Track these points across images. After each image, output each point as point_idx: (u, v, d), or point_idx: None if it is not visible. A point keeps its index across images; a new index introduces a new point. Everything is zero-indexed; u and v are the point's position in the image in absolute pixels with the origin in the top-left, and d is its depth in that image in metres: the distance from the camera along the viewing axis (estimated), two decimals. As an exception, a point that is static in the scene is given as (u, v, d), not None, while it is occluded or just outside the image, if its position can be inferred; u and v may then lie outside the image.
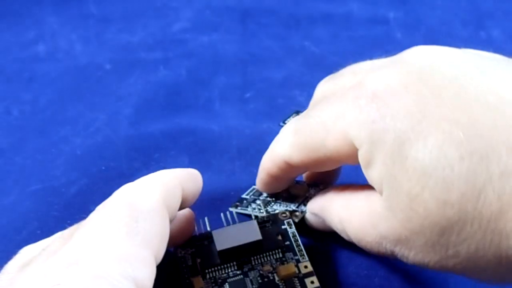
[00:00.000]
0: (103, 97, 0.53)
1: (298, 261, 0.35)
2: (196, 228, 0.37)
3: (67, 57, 0.57)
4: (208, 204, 0.43)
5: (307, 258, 0.35)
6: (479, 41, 0.67)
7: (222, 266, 0.34)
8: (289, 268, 0.34)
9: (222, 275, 0.34)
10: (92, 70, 0.56)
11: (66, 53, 0.58)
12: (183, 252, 0.36)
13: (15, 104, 0.51)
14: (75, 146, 0.47)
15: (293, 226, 0.37)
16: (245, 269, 0.34)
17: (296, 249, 0.35)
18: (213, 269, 0.34)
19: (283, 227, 0.37)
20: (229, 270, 0.34)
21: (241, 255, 0.35)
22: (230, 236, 0.35)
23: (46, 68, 0.56)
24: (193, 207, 0.43)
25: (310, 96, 0.39)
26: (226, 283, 0.34)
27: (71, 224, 0.42)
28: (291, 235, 0.36)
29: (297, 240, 0.36)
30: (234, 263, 0.34)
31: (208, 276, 0.34)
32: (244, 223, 0.36)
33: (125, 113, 0.51)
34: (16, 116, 0.50)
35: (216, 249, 0.34)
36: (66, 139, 0.47)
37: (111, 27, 0.62)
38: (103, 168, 0.45)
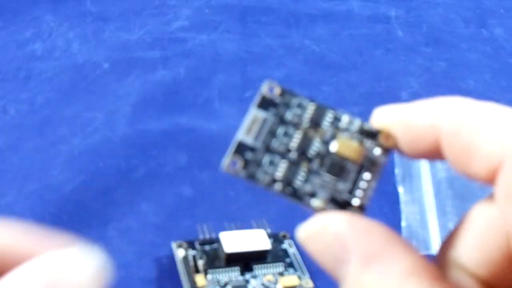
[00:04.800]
0: (101, 96, 0.52)
1: (299, 277, 0.35)
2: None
3: (65, 56, 0.57)
4: (208, 205, 0.42)
5: (308, 275, 0.35)
6: (481, 39, 0.67)
7: (225, 270, 0.34)
8: (292, 280, 0.34)
9: (225, 278, 0.34)
10: (90, 69, 0.55)
11: (64, 52, 0.57)
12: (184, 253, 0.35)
13: (12, 103, 0.50)
14: (72, 146, 0.46)
15: (294, 246, 0.37)
16: (247, 276, 0.34)
17: (297, 266, 0.36)
18: (216, 271, 0.34)
19: (283, 246, 0.37)
20: (232, 275, 0.34)
21: (247, 261, 0.34)
22: (239, 241, 0.35)
23: (43, 66, 0.55)
24: (194, 208, 0.42)
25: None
26: (229, 286, 0.33)
27: (67, 220, 0.42)
28: (291, 253, 0.37)
29: (298, 258, 0.36)
30: (237, 268, 0.34)
31: (210, 277, 0.34)
32: (253, 230, 0.36)
33: (123, 112, 0.50)
34: (13, 116, 0.49)
35: (222, 252, 0.34)
36: (63, 139, 0.47)
37: (109, 25, 0.62)
38: (101, 165, 0.44)
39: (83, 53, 0.57)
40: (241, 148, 0.19)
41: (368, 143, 0.19)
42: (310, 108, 0.20)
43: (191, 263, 0.34)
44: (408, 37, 0.66)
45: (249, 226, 0.38)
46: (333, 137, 0.19)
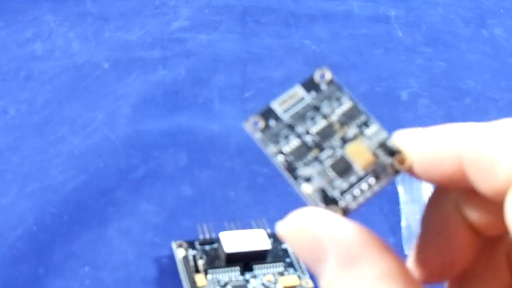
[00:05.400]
0: (101, 96, 0.52)
1: (299, 277, 0.35)
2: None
3: (65, 56, 0.57)
4: (208, 205, 0.43)
5: (307, 275, 0.35)
6: (481, 40, 0.67)
7: (225, 270, 0.34)
8: (292, 280, 0.34)
9: (225, 278, 0.34)
10: (90, 69, 0.55)
11: (64, 52, 0.57)
12: (184, 253, 0.36)
13: (12, 103, 0.50)
14: (73, 146, 0.46)
15: None
16: (247, 276, 0.34)
17: (297, 266, 0.36)
18: (216, 270, 0.34)
19: (283, 246, 0.37)
20: (232, 275, 0.34)
21: (247, 260, 0.35)
22: (239, 240, 0.35)
23: (43, 66, 0.55)
24: (194, 208, 0.42)
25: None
26: (229, 286, 0.33)
27: (68, 220, 0.42)
28: (291, 253, 0.37)
29: (298, 258, 0.36)
30: (237, 268, 0.34)
31: (210, 277, 0.34)
32: (253, 230, 0.36)
33: (123, 112, 0.50)
34: (13, 116, 0.49)
35: (222, 252, 0.34)
36: (64, 139, 0.47)
37: (109, 25, 0.62)
38: (101, 165, 0.44)
39: (83, 53, 0.57)
40: (268, 113, 0.20)
41: (382, 157, 0.19)
42: (346, 105, 0.20)
43: (191, 263, 0.35)
44: (407, 37, 0.66)
45: (249, 226, 0.38)
46: (353, 138, 0.19)
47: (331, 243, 0.17)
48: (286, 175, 0.19)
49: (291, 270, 0.35)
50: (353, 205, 0.19)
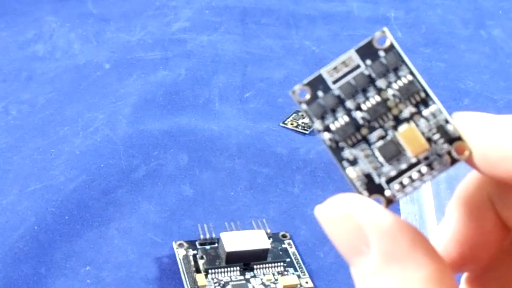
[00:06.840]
0: (102, 97, 0.52)
1: (299, 276, 0.35)
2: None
3: (66, 57, 0.57)
4: (208, 205, 0.43)
5: (307, 275, 0.35)
6: (480, 40, 0.67)
7: (226, 269, 0.34)
8: (292, 279, 0.35)
9: (225, 278, 0.34)
10: (91, 70, 0.56)
11: (65, 53, 0.58)
12: (184, 253, 0.36)
13: (13, 104, 0.51)
14: (74, 146, 0.46)
15: (293, 245, 0.38)
16: (247, 276, 0.35)
17: (297, 266, 0.36)
18: (216, 270, 0.34)
19: (283, 246, 0.37)
20: (232, 274, 0.35)
21: (247, 260, 0.35)
22: (239, 240, 0.35)
23: (44, 67, 0.55)
24: (195, 208, 0.43)
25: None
26: (229, 285, 0.34)
27: (69, 220, 0.42)
28: (291, 253, 0.37)
29: (298, 258, 0.37)
30: (237, 268, 0.35)
31: (211, 277, 0.34)
32: (253, 231, 0.36)
33: (124, 112, 0.50)
34: (14, 116, 0.49)
35: (221, 252, 0.35)
36: (65, 139, 0.47)
37: (110, 26, 0.62)
38: (102, 165, 0.45)
39: (85, 54, 0.58)
40: (317, 82, 0.17)
41: (439, 143, 0.17)
42: (404, 79, 0.17)
43: (192, 262, 0.35)
44: (407, 38, 0.66)
45: (249, 226, 0.38)
46: (408, 119, 0.17)
47: (377, 236, 0.16)
48: (331, 155, 0.18)
49: (291, 269, 0.36)
50: (399, 195, 0.17)
